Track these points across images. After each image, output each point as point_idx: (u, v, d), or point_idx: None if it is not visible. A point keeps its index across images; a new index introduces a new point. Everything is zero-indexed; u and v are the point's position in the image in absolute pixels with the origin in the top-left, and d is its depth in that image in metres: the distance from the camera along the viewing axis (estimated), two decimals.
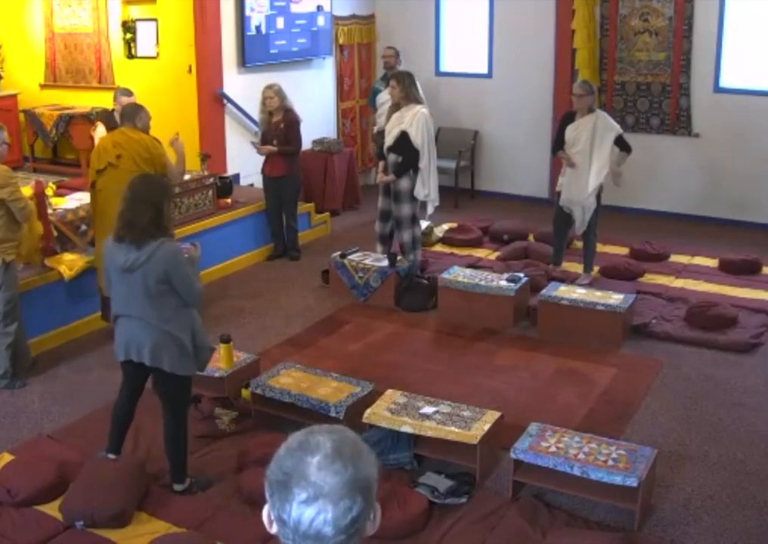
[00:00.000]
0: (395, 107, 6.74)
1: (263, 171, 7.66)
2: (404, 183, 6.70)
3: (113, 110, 7.07)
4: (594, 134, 6.53)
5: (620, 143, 6.63)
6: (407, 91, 6.65)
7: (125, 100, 6.93)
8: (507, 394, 5.20)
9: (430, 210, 6.93)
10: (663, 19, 8.68)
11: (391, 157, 6.75)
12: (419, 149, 6.59)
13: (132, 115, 5.70)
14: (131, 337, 3.97)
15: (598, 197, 6.71)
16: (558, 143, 6.76)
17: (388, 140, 6.72)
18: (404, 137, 6.59)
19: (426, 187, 6.71)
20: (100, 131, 6.95)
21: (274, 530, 1.49)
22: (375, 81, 9.58)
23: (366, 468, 1.46)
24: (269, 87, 7.35)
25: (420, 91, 7.03)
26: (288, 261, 7.71)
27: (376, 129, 8.38)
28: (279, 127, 7.40)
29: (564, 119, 6.80)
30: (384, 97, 7.90)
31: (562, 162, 6.80)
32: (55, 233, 6.04)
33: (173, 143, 5.92)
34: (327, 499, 1.41)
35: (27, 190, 5.62)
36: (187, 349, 3.92)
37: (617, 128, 6.61)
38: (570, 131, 6.63)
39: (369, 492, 1.46)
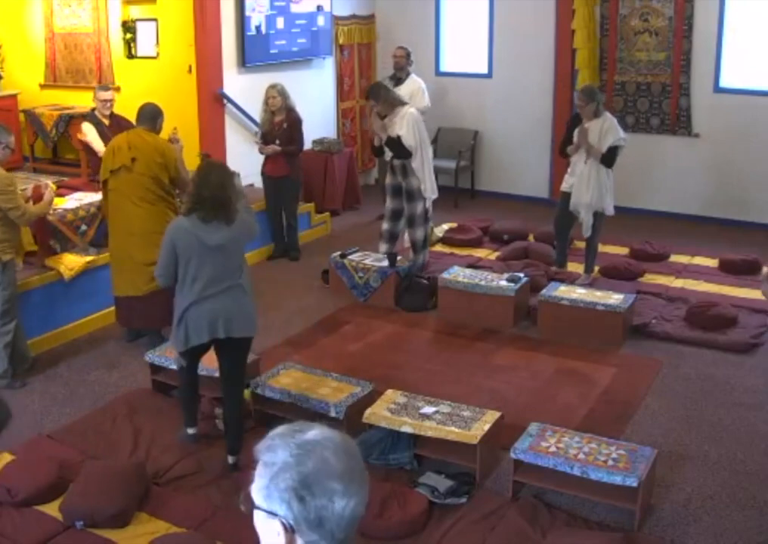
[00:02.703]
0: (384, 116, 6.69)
1: (263, 172, 7.66)
2: (415, 182, 6.71)
3: (94, 109, 7.06)
4: (601, 138, 6.46)
5: (608, 154, 6.46)
6: (387, 101, 6.62)
7: (102, 94, 6.94)
8: (507, 394, 5.20)
9: (427, 204, 6.92)
10: (663, 19, 8.68)
11: (396, 162, 6.76)
12: (411, 151, 6.59)
13: (152, 117, 5.70)
14: (218, 313, 4.18)
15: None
16: (565, 144, 6.73)
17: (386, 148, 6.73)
18: (398, 141, 6.58)
19: (423, 184, 6.72)
20: (87, 130, 6.92)
21: (299, 541, 1.47)
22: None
23: (357, 447, 1.56)
24: (272, 86, 7.36)
25: (397, 92, 6.99)
26: (288, 261, 7.70)
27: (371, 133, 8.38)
28: (282, 127, 7.41)
29: (572, 120, 6.76)
30: None
31: (569, 162, 6.76)
32: (52, 240, 6.05)
33: (171, 139, 5.92)
34: (358, 483, 1.48)
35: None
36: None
37: (617, 138, 6.45)
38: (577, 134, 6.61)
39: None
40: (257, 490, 1.49)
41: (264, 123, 7.53)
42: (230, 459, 4.41)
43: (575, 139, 6.56)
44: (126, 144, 5.59)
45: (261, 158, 7.64)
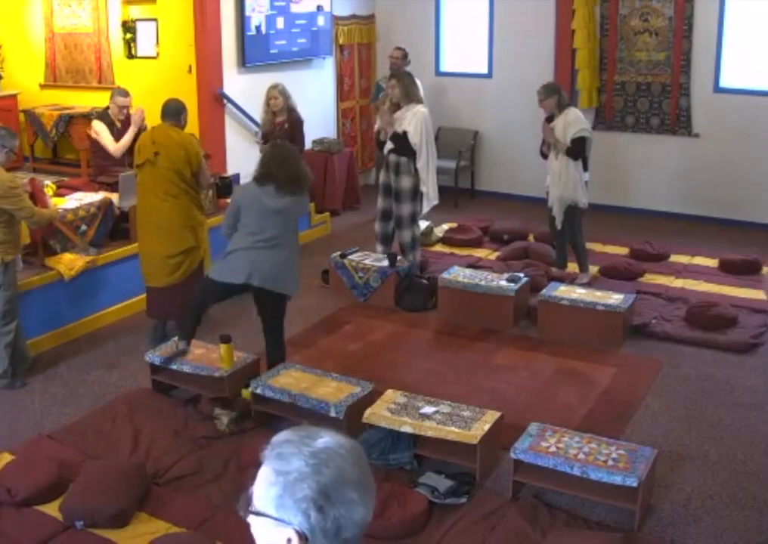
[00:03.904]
0: (395, 107, 6.73)
1: None
2: (405, 182, 6.70)
3: (107, 108, 7.07)
4: (564, 132, 6.55)
5: (573, 146, 6.50)
6: (407, 91, 6.66)
7: (120, 100, 6.96)
8: (507, 394, 5.20)
9: (426, 209, 6.92)
10: (663, 19, 8.68)
11: (392, 158, 6.75)
12: (415, 150, 6.59)
13: (176, 113, 5.84)
14: (259, 264, 4.75)
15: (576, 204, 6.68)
16: (543, 145, 6.87)
17: (389, 142, 6.73)
18: (403, 137, 6.59)
19: (425, 186, 6.71)
20: (100, 128, 6.94)
21: None
22: (377, 79, 9.56)
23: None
24: (273, 87, 7.36)
25: (421, 90, 7.04)
26: None
27: (376, 128, 8.37)
28: (283, 127, 7.41)
29: (546, 121, 6.80)
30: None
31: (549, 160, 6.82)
32: (52, 240, 6.05)
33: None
34: (371, 490, 1.49)
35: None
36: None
37: (579, 128, 6.50)
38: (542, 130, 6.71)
39: None
40: (267, 499, 1.45)
41: (266, 123, 7.52)
42: None
43: (543, 136, 6.70)
44: (150, 140, 5.73)
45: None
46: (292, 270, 4.91)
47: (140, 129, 6.69)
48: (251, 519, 1.48)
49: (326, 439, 1.49)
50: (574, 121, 6.56)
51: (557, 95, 6.62)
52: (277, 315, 5.03)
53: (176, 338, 5.23)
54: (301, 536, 1.43)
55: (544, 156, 6.88)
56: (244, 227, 4.80)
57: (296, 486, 1.43)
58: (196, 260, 5.84)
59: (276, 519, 1.44)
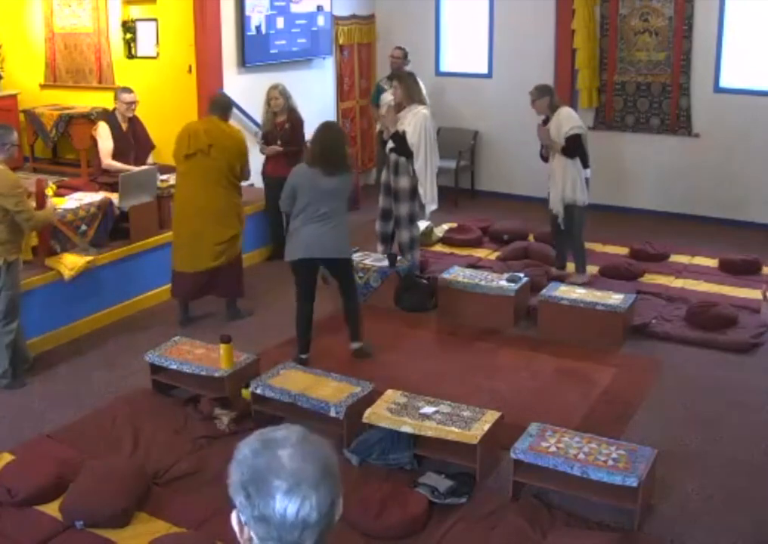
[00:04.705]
0: (397, 107, 6.73)
1: (264, 172, 7.65)
2: (403, 182, 6.69)
3: (115, 110, 7.07)
4: (558, 132, 6.56)
5: (568, 144, 6.52)
6: (410, 92, 6.66)
7: (126, 97, 6.95)
8: (507, 394, 5.20)
9: (425, 214, 6.93)
10: (663, 19, 8.68)
11: (392, 157, 6.75)
12: (412, 150, 6.58)
13: (224, 108, 6.22)
14: (316, 238, 5.35)
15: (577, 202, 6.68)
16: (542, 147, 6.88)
17: (390, 141, 6.73)
18: (403, 137, 6.59)
19: (422, 187, 6.69)
20: (102, 130, 6.94)
21: (246, 535, 1.49)
22: (378, 80, 9.57)
23: (332, 453, 1.52)
24: (274, 87, 7.37)
25: (423, 91, 7.03)
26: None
27: (378, 128, 8.38)
28: (284, 127, 7.42)
29: (543, 123, 6.80)
30: (387, 97, 7.89)
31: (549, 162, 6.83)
32: (52, 240, 6.06)
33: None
34: (308, 486, 1.44)
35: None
36: None
37: (571, 126, 6.51)
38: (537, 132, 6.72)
39: (337, 475, 1.51)
40: (229, 484, 1.52)
41: (266, 124, 7.53)
42: (354, 345, 5.70)
43: (539, 139, 6.72)
44: (203, 131, 6.01)
45: (261, 158, 7.63)
46: (344, 238, 5.51)
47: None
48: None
49: (284, 431, 1.51)
50: (566, 119, 6.58)
51: (549, 96, 6.64)
52: (347, 276, 5.69)
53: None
54: (239, 519, 1.48)
55: (544, 159, 6.89)
56: (299, 206, 5.33)
57: (236, 470, 1.48)
58: (238, 248, 6.31)
59: (232, 504, 1.50)
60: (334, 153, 5.29)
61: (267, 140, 7.49)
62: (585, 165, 6.70)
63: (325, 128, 5.44)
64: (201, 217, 6.04)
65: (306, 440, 1.50)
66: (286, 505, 1.43)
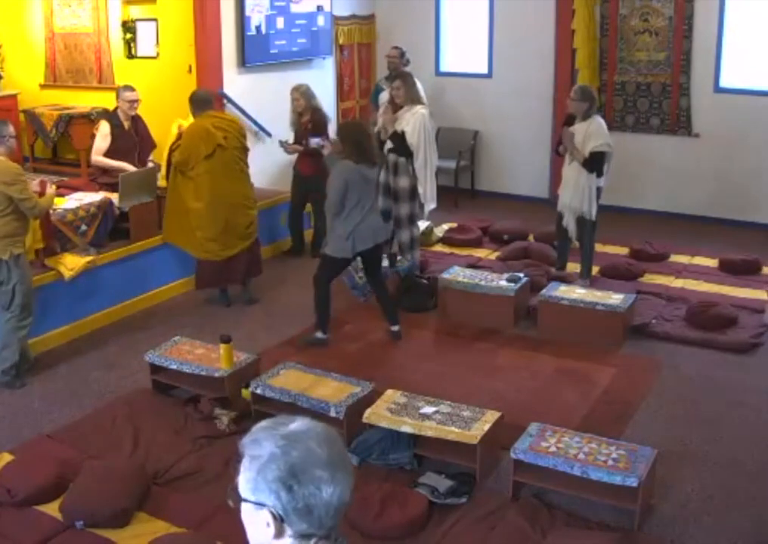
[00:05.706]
0: (393, 106, 6.74)
1: (295, 167, 7.74)
2: (403, 182, 6.70)
3: (117, 108, 7.05)
4: (584, 142, 6.44)
5: (590, 158, 6.41)
6: (411, 92, 6.68)
7: (128, 95, 6.94)
8: (507, 394, 5.20)
9: (425, 213, 6.93)
10: (663, 19, 8.68)
11: (391, 157, 6.75)
12: (411, 150, 6.58)
13: (207, 99, 6.40)
14: (373, 227, 5.72)
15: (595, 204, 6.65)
16: (560, 143, 6.76)
17: (389, 141, 6.73)
18: (402, 137, 6.59)
19: (421, 187, 6.70)
20: (102, 129, 6.93)
21: (278, 530, 1.50)
22: (377, 80, 9.56)
23: (337, 433, 1.60)
24: (296, 88, 7.43)
25: (421, 91, 7.04)
26: (297, 259, 7.71)
27: (376, 128, 8.37)
28: (307, 127, 7.47)
29: (565, 121, 6.77)
30: (386, 97, 7.88)
31: (563, 162, 6.78)
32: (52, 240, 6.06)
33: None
34: (343, 470, 1.53)
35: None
36: None
37: (600, 143, 6.39)
38: (562, 135, 6.63)
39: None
40: (244, 483, 1.53)
41: (294, 123, 7.64)
42: (394, 328, 5.98)
43: (562, 140, 6.63)
44: (211, 126, 6.20)
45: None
46: (383, 224, 6.01)
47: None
48: (241, 507, 1.55)
49: (297, 424, 1.56)
50: (596, 133, 6.42)
51: (589, 102, 6.47)
52: (380, 259, 6.08)
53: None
54: (276, 516, 1.49)
55: (559, 154, 6.85)
56: (352, 202, 5.57)
57: (267, 468, 1.49)
58: (256, 226, 6.62)
59: (254, 503, 1.51)
60: (371, 145, 5.65)
61: (296, 139, 7.60)
62: (599, 174, 6.57)
63: (353, 126, 5.82)
64: (233, 208, 6.37)
65: (319, 427, 1.57)
66: (331, 492, 1.50)
